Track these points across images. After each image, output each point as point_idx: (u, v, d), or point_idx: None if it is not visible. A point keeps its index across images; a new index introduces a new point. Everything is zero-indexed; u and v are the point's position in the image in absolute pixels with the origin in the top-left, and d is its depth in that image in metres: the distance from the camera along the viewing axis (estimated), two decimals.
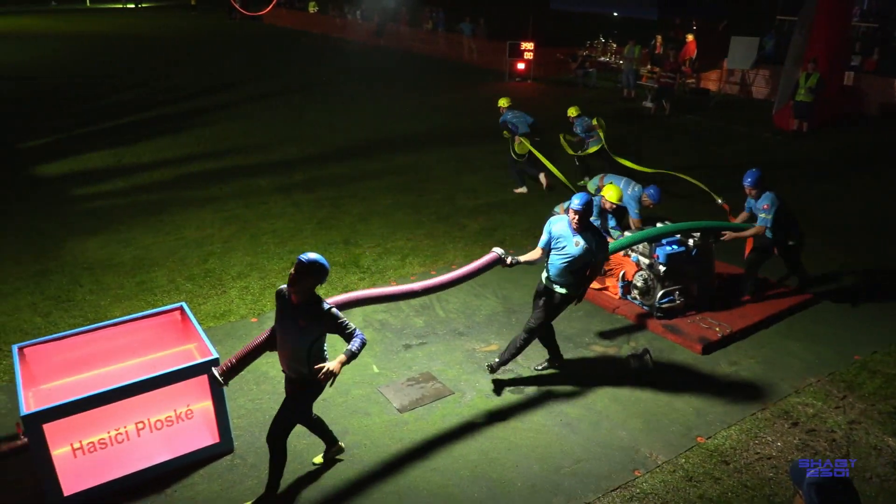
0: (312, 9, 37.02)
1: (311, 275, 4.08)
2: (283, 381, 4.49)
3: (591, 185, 8.82)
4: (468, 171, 11.85)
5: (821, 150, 13.54)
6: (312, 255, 4.14)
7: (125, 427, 4.59)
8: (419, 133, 14.54)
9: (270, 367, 6.09)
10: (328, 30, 34.17)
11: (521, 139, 10.31)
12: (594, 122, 10.89)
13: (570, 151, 11.09)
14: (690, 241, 6.90)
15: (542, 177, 10.75)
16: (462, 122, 15.60)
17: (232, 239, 8.91)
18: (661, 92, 16.78)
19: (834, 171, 12.17)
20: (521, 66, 20.97)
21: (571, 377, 6.03)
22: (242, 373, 5.95)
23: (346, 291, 7.46)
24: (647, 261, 6.94)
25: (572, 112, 11.29)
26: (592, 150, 10.91)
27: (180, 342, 5.49)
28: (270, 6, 33.12)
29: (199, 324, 5.24)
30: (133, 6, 49.34)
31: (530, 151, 10.40)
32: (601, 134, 10.83)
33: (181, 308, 5.35)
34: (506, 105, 10.66)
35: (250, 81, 20.65)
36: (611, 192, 7.34)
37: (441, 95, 18.88)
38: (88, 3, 52.68)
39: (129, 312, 6.81)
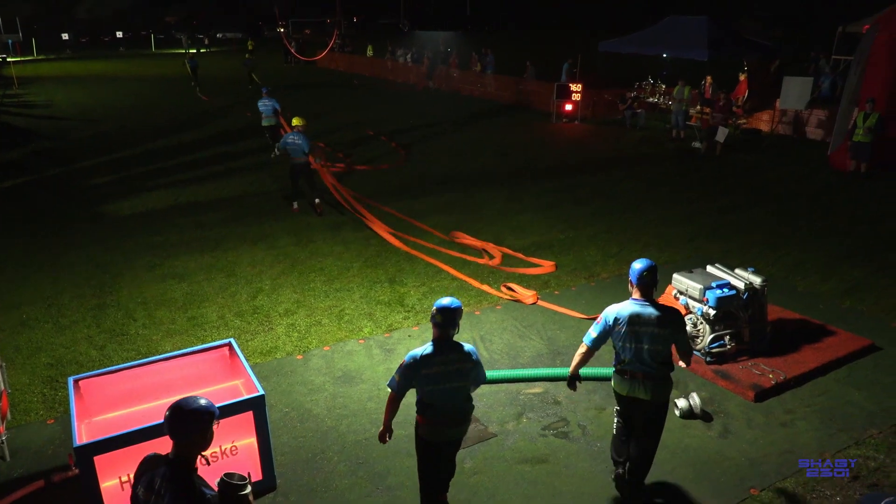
0: (370, 52, 38.16)
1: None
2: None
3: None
4: (516, 211, 11.86)
5: (881, 190, 13.12)
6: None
7: None
8: (467, 171, 14.66)
9: (315, 405, 6.13)
10: (380, 72, 35.05)
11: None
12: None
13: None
14: (742, 285, 6.73)
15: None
16: (508, 161, 15.68)
17: (281, 276, 9.09)
18: (711, 132, 16.58)
19: None
20: (568, 107, 21.05)
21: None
22: (287, 410, 6.05)
23: (391, 330, 7.53)
24: (697, 304, 6.78)
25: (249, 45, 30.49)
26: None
27: (228, 378, 5.59)
28: (325, 52, 34.21)
29: (247, 360, 5.33)
30: (194, 51, 51.60)
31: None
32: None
33: (230, 344, 5.46)
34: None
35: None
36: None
37: (489, 135, 19.06)
38: (153, 49, 55.35)
39: (180, 347, 6.99)
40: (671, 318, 4.55)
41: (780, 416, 5.98)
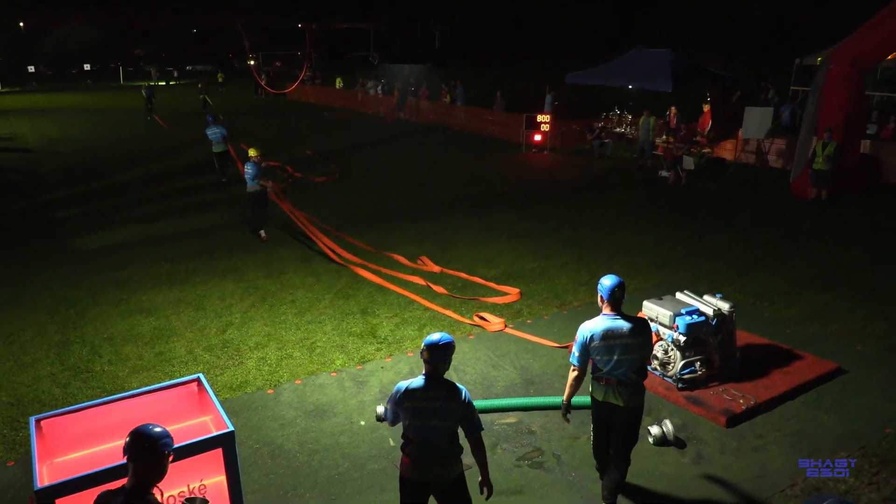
0: (339, 84, 38.45)
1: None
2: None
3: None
4: (488, 240, 11.92)
5: (841, 217, 13.47)
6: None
7: None
8: (438, 201, 14.73)
9: (286, 440, 6.03)
10: (351, 104, 35.23)
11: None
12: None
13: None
14: (710, 311, 6.82)
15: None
16: (479, 191, 15.80)
17: (251, 309, 8.98)
18: (676, 161, 16.92)
19: (858, 238, 12.06)
20: (537, 137, 21.34)
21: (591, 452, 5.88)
22: (257, 446, 5.93)
23: (364, 362, 7.46)
24: (667, 331, 6.85)
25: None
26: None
27: (196, 414, 5.46)
28: (294, 84, 34.33)
29: (216, 395, 5.22)
30: (164, 83, 51.44)
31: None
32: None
33: (198, 379, 5.34)
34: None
35: (278, 152, 21.21)
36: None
37: (459, 165, 19.21)
38: (122, 82, 55.03)
39: (147, 384, 6.82)
40: (641, 328, 4.86)
41: (752, 441, 6.03)
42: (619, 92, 23.59)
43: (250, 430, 6.20)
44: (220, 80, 47.85)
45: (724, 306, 6.90)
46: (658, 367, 6.96)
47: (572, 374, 4.95)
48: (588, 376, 5.01)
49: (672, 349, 6.78)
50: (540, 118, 21.17)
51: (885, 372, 7.26)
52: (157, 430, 3.24)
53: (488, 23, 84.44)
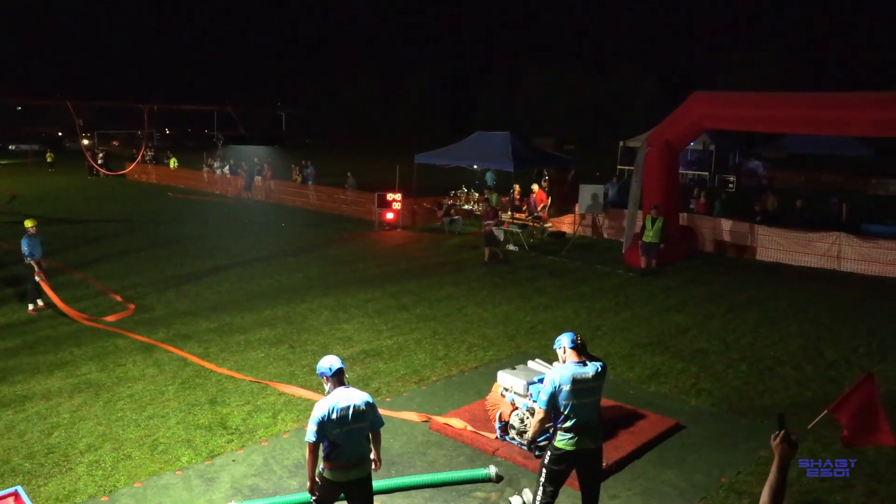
0: (173, 164, 37.26)
1: None
2: None
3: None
4: (342, 320, 11.76)
5: (668, 284, 14.74)
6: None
7: None
8: (290, 283, 14.41)
9: None
10: (196, 184, 34.09)
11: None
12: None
13: None
14: None
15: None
16: (332, 271, 15.68)
17: (82, 407, 8.14)
18: (490, 238, 16.64)
19: (683, 302, 13.21)
20: (389, 215, 21.72)
21: None
22: None
23: (213, 456, 6.97)
24: (522, 400, 7.03)
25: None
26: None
27: None
28: (132, 165, 32.80)
29: None
30: None
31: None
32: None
33: (16, 493, 4.74)
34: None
35: (114, 237, 19.88)
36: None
37: (312, 245, 19.02)
38: None
39: None
40: (602, 372, 5.34)
41: (606, 502, 6.24)
42: (465, 171, 24.73)
43: None
44: (49, 160, 44.67)
45: None
46: (516, 437, 7.09)
47: (539, 417, 5.25)
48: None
49: (528, 417, 6.95)
50: (390, 196, 21.61)
51: (717, 425, 7.89)
52: None
53: (336, 106, 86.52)
